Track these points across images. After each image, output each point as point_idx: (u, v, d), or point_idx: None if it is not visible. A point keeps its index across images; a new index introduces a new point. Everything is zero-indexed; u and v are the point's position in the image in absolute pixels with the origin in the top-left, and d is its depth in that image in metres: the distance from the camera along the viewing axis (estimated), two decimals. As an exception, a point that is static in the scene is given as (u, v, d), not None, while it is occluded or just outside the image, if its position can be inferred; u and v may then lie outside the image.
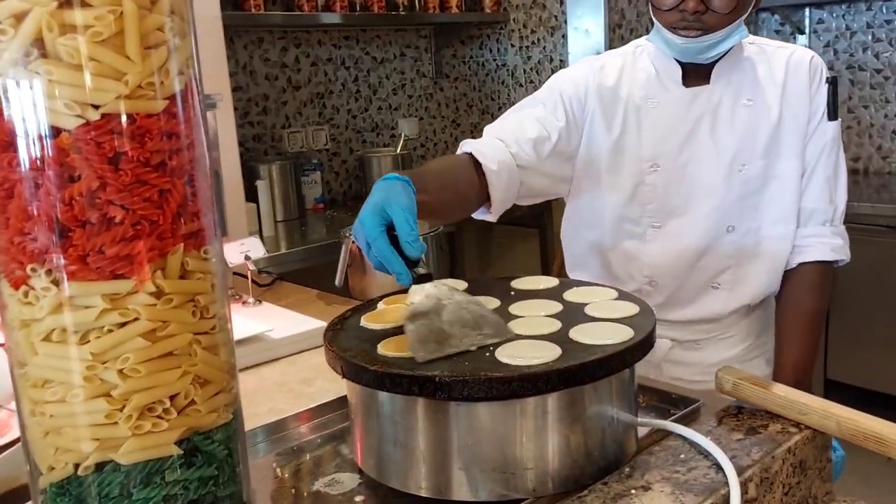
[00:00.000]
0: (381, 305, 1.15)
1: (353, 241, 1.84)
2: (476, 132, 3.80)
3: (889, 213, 2.62)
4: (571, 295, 1.11)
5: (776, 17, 3.38)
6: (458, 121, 3.84)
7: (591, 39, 2.77)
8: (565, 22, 3.30)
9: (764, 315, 1.51)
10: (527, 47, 3.49)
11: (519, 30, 3.50)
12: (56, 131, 0.54)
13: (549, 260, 3.37)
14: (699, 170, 1.37)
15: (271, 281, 2.04)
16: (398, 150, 3.26)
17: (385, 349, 0.95)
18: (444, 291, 0.96)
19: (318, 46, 3.36)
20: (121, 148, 0.55)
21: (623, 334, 0.94)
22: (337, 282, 1.84)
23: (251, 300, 1.75)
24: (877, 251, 1.44)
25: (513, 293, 1.14)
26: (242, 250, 1.71)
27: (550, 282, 1.18)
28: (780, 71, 1.37)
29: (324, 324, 1.57)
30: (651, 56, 1.40)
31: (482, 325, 0.94)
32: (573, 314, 1.03)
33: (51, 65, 0.53)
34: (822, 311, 1.44)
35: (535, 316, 1.03)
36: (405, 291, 1.19)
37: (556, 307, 1.06)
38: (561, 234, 1.58)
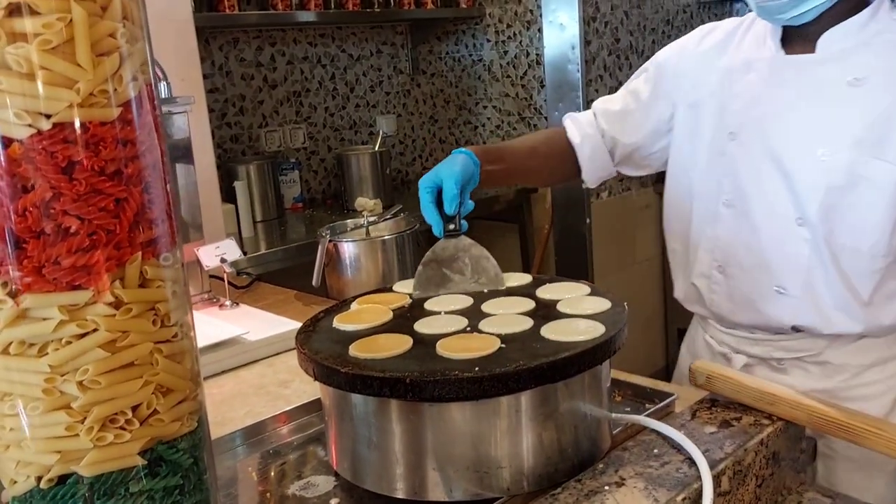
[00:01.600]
0: (354, 306, 1.15)
1: (330, 241, 1.85)
2: (454, 127, 3.81)
3: None
4: (544, 292, 1.11)
5: (750, 8, 3.41)
6: (435, 117, 3.84)
7: (566, 33, 2.77)
8: (541, 16, 3.30)
9: (872, 347, 1.28)
10: (503, 42, 3.48)
11: (495, 24, 3.49)
12: (7, 141, 0.53)
13: (530, 255, 3.38)
14: (777, 147, 1.23)
15: (249, 282, 2.04)
16: (377, 148, 3.25)
17: (357, 351, 0.95)
18: (464, 244, 1.17)
19: (294, 45, 3.34)
20: (74, 157, 0.54)
21: (594, 330, 0.94)
22: (314, 282, 1.83)
23: (228, 303, 1.74)
24: None
25: (486, 290, 1.14)
26: (218, 253, 1.70)
27: (524, 278, 1.18)
28: None
29: (300, 325, 1.57)
30: (756, 21, 1.31)
31: (480, 275, 1.14)
32: (545, 311, 1.03)
33: (0, 74, 0.52)
34: None
35: (507, 314, 1.03)
36: (381, 291, 1.20)
37: (529, 304, 1.06)
38: (664, 198, 1.49)
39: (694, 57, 1.39)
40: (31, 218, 0.54)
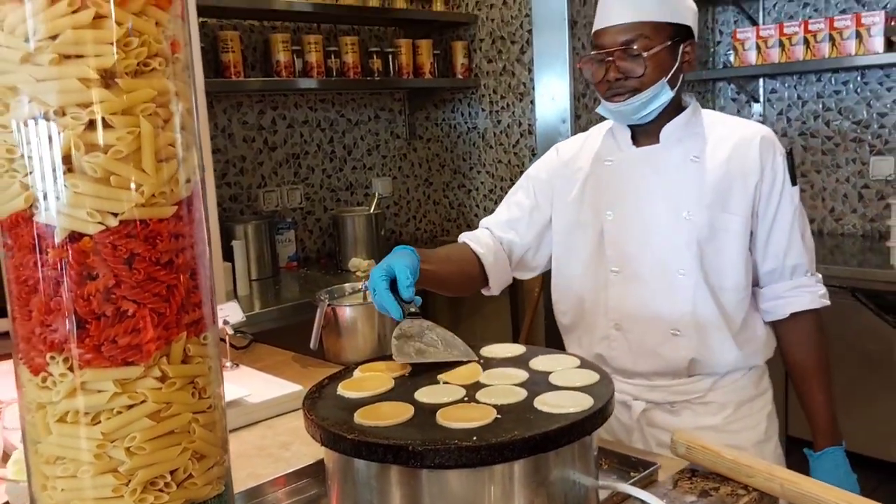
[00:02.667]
0: (357, 373, 1.22)
1: (328, 305, 1.92)
2: (448, 190, 3.93)
3: (842, 273, 2.76)
4: (537, 363, 1.19)
5: (732, 86, 3.56)
6: (430, 180, 3.95)
7: (557, 105, 2.90)
8: (533, 89, 3.45)
9: (745, 385, 1.56)
10: (497, 111, 3.62)
11: (489, 95, 3.64)
12: (78, 236, 0.61)
13: (520, 320, 3.46)
14: (651, 217, 1.51)
15: (248, 343, 2.09)
16: (372, 210, 3.35)
17: (361, 418, 1.02)
18: (426, 324, 1.28)
19: (295, 109, 3.46)
20: (135, 250, 0.62)
21: (583, 403, 1.01)
22: (312, 345, 1.90)
23: (229, 364, 1.80)
24: (831, 310, 1.55)
25: (481, 361, 1.21)
26: (222, 315, 1.76)
27: (517, 349, 1.26)
28: (731, 138, 1.51)
29: (300, 387, 1.63)
30: (611, 126, 1.62)
31: (453, 348, 1.23)
32: (538, 383, 1.11)
33: (76, 178, 0.61)
34: (827, 355, 1.55)
35: (502, 385, 1.11)
36: (381, 359, 1.28)
37: (523, 375, 1.14)
38: (552, 286, 1.71)
39: (559, 166, 1.67)
40: (95, 302, 0.61)
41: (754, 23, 3.43)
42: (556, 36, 2.92)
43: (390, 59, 3.49)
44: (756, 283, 1.56)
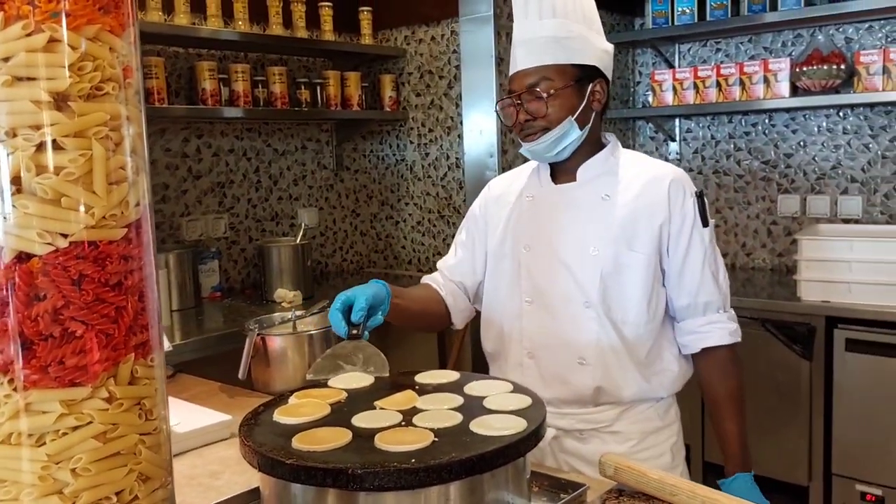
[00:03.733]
0: (293, 400, 1.22)
1: (258, 335, 1.91)
2: (375, 222, 3.95)
3: (753, 305, 2.89)
4: (472, 388, 1.22)
5: (650, 125, 3.72)
6: (357, 211, 3.97)
7: (484, 139, 2.98)
8: (461, 123, 3.52)
9: (651, 417, 1.62)
10: (425, 144, 3.68)
11: (417, 128, 3.69)
12: (27, 256, 0.61)
13: (447, 347, 3.49)
14: (561, 251, 1.58)
15: (172, 373, 2.05)
16: (298, 240, 3.33)
17: (299, 443, 1.02)
18: (361, 344, 1.41)
19: (221, 137, 3.44)
20: (84, 271, 0.62)
21: (517, 425, 1.05)
22: (241, 374, 1.88)
23: (155, 393, 1.75)
24: (743, 341, 1.63)
25: (417, 387, 1.24)
26: (148, 343, 1.73)
27: (452, 375, 1.29)
28: (643, 178, 1.58)
29: (229, 417, 1.62)
30: (537, 164, 1.70)
31: (368, 364, 1.35)
32: (473, 407, 1.14)
33: (26, 199, 0.61)
34: (739, 387, 1.61)
35: (438, 409, 1.13)
36: (315, 386, 1.28)
37: (458, 400, 1.16)
38: (481, 314, 1.79)
39: (490, 202, 1.77)
40: (42, 323, 0.61)
41: (671, 65, 3.60)
42: (483, 72, 3.00)
43: (318, 90, 3.51)
44: (672, 316, 1.63)
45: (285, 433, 1.07)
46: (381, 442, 1.01)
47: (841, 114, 3.28)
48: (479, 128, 2.99)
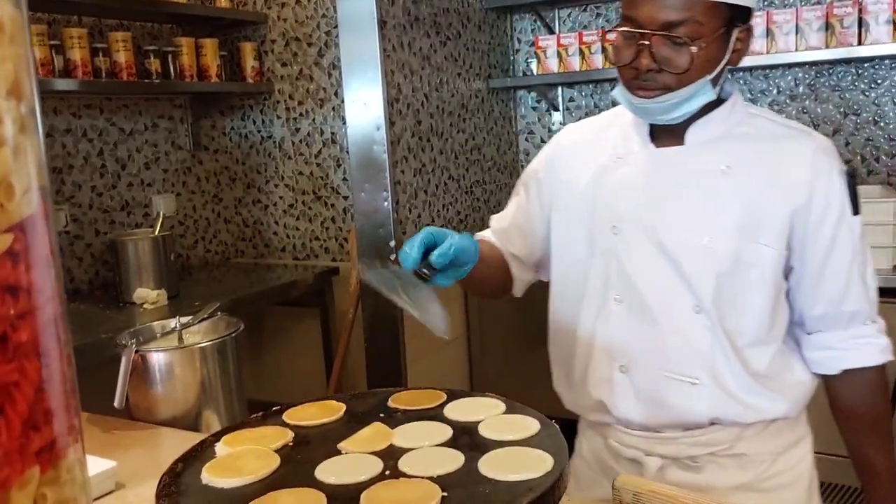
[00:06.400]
0: (221, 448, 0.91)
1: (137, 352, 1.54)
2: (241, 207, 3.55)
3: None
4: (454, 412, 0.96)
5: (533, 94, 3.56)
6: (220, 195, 3.55)
7: (370, 112, 2.68)
8: (335, 94, 3.20)
9: (782, 429, 1.27)
10: (294, 119, 3.33)
11: (285, 101, 3.33)
12: None
13: (332, 342, 3.18)
14: (663, 238, 1.21)
15: (22, 405, 1.64)
16: (157, 231, 2.90)
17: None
18: (423, 287, 1.14)
19: (55, 115, 2.93)
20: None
21: (540, 462, 0.80)
22: (117, 403, 1.50)
23: (5, 438, 1.36)
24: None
25: (382, 416, 0.96)
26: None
27: (421, 395, 1.02)
28: (775, 146, 1.21)
29: (112, 463, 1.26)
30: (627, 116, 1.29)
31: (426, 313, 1.13)
32: (469, 439, 0.88)
33: None
34: (887, 413, 1.27)
35: (426, 447, 0.87)
36: (248, 424, 0.98)
37: (446, 431, 0.90)
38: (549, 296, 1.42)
39: (560, 162, 1.37)
40: None
41: (551, 31, 3.45)
42: (366, 38, 2.69)
43: (170, 59, 3.07)
44: (800, 324, 1.27)
45: (230, 503, 0.77)
46: (371, 506, 0.74)
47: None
48: (364, 99, 2.68)
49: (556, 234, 1.36)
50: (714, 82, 1.17)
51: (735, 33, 1.17)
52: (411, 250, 1.11)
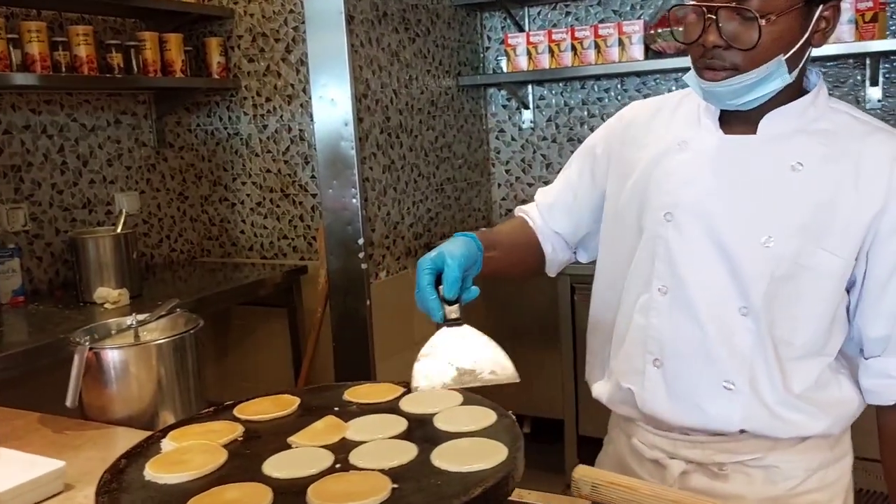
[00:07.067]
0: (167, 443, 0.88)
1: (90, 350, 1.50)
2: (207, 205, 3.49)
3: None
4: (410, 404, 0.93)
5: (503, 91, 3.54)
6: (185, 193, 3.49)
7: (338, 109, 2.64)
8: (303, 90, 3.16)
9: (820, 445, 1.19)
10: (262, 116, 3.28)
11: (252, 98, 3.28)
12: None
13: (301, 340, 3.14)
14: (720, 231, 1.13)
15: (-28, 405, 1.59)
16: (119, 229, 2.84)
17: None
18: (465, 332, 1.02)
19: (13, 112, 2.86)
20: None
21: (494, 452, 0.78)
22: (69, 402, 1.45)
23: (-52, 439, 1.32)
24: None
25: (336, 409, 0.94)
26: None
27: (383, 390, 0.99)
28: (856, 150, 1.11)
29: (61, 463, 1.22)
30: (697, 100, 1.21)
31: (485, 366, 0.98)
32: (423, 431, 0.86)
33: None
34: None
35: (379, 439, 0.84)
36: (197, 418, 0.94)
37: (400, 423, 0.88)
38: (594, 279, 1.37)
39: (620, 138, 1.30)
40: None
41: (521, 29, 3.44)
42: (333, 33, 2.65)
43: (133, 54, 3.01)
44: (859, 345, 1.17)
45: (170, 499, 0.73)
46: (318, 499, 0.71)
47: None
48: (331, 96, 2.65)
49: (606, 213, 1.30)
50: (791, 65, 1.08)
51: (818, 11, 1.06)
52: (431, 302, 1.03)
